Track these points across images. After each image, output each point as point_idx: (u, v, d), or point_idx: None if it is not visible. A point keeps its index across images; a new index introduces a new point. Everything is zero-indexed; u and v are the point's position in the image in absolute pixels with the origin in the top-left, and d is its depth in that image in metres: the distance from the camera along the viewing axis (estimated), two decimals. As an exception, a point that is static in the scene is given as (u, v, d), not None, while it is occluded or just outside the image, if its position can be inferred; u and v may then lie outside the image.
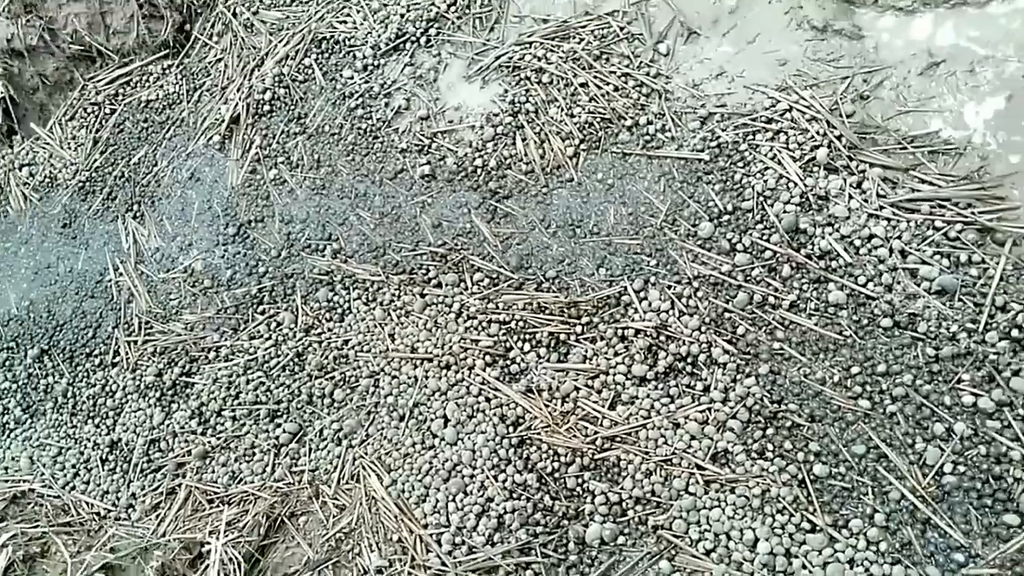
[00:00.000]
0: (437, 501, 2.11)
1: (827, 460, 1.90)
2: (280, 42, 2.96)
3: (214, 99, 3.00)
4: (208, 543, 2.15)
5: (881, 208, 2.05)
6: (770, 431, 1.96)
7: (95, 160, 3.06)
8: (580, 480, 2.04)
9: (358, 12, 2.90)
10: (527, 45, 2.63)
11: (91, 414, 2.65)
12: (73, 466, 2.58)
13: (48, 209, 3.06)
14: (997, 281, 1.90)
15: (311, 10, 2.99)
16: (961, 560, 1.73)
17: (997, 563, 1.71)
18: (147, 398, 2.59)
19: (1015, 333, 1.84)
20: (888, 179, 2.09)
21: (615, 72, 2.49)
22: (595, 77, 2.50)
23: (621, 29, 2.55)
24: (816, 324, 2.02)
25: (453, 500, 2.10)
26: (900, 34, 2.27)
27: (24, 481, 2.59)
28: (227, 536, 2.14)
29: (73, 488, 2.54)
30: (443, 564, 2.03)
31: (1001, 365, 1.83)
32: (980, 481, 1.78)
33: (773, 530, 1.87)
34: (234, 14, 3.11)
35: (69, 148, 3.12)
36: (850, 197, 2.09)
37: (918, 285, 1.96)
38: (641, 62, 2.49)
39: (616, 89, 2.47)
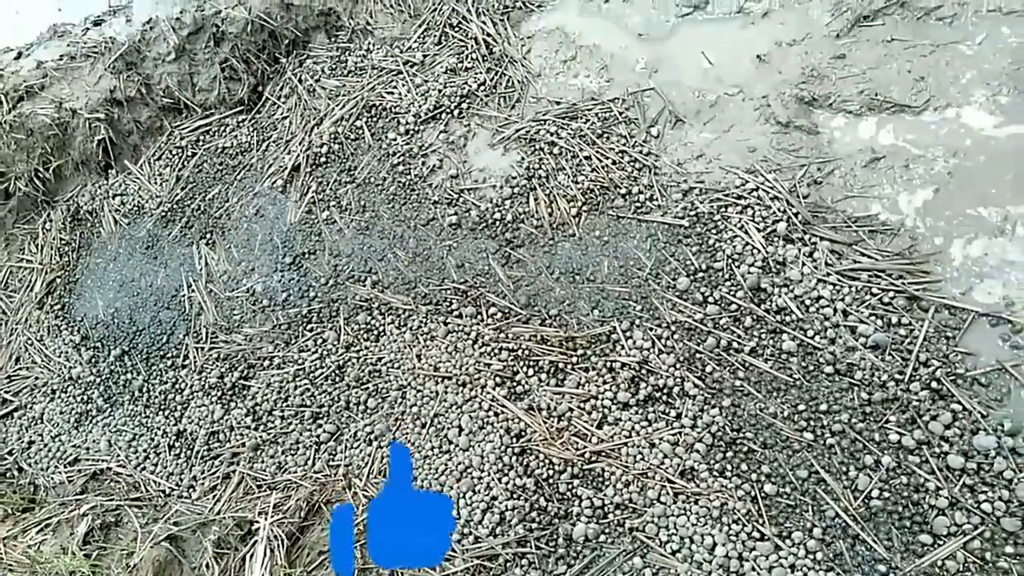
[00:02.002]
0: (450, 497, 2.14)
1: (776, 481, 1.92)
2: (337, 106, 3.02)
3: (279, 149, 3.04)
4: (257, 522, 2.16)
5: (828, 275, 2.10)
6: (730, 454, 1.98)
7: (176, 194, 3.10)
8: (570, 486, 2.06)
9: (403, 86, 2.96)
10: (542, 122, 2.68)
11: (162, 407, 2.66)
12: (144, 450, 2.58)
13: (134, 233, 3.10)
14: (921, 340, 1.94)
15: (364, 81, 3.05)
16: (883, 571, 1.75)
17: (913, 574, 1.75)
18: (210, 396, 2.60)
19: (934, 384, 1.88)
20: (835, 251, 2.13)
21: (614, 149, 2.54)
22: (597, 152, 2.55)
23: (620, 114, 2.61)
24: (771, 367, 2.05)
25: (463, 497, 2.12)
26: (849, 132, 2.33)
27: (103, 461, 2.59)
28: (273, 517, 2.15)
29: (144, 469, 2.54)
30: (453, 550, 2.05)
31: (922, 410, 1.87)
32: (901, 505, 1.80)
33: (729, 537, 1.89)
34: (299, 80, 3.17)
35: (155, 183, 3.16)
36: (803, 264, 2.14)
37: (856, 340, 2.00)
38: (635, 142, 2.54)
39: (614, 163, 2.52)
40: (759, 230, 2.23)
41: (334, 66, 3.16)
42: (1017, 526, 1.70)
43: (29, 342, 2.98)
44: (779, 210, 2.23)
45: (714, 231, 2.29)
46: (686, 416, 2.06)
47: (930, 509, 1.79)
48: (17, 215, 3.27)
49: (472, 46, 2.94)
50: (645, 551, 1.94)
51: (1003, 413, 1.82)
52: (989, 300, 1.96)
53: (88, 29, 3.33)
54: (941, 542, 1.75)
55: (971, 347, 1.92)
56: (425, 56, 3.00)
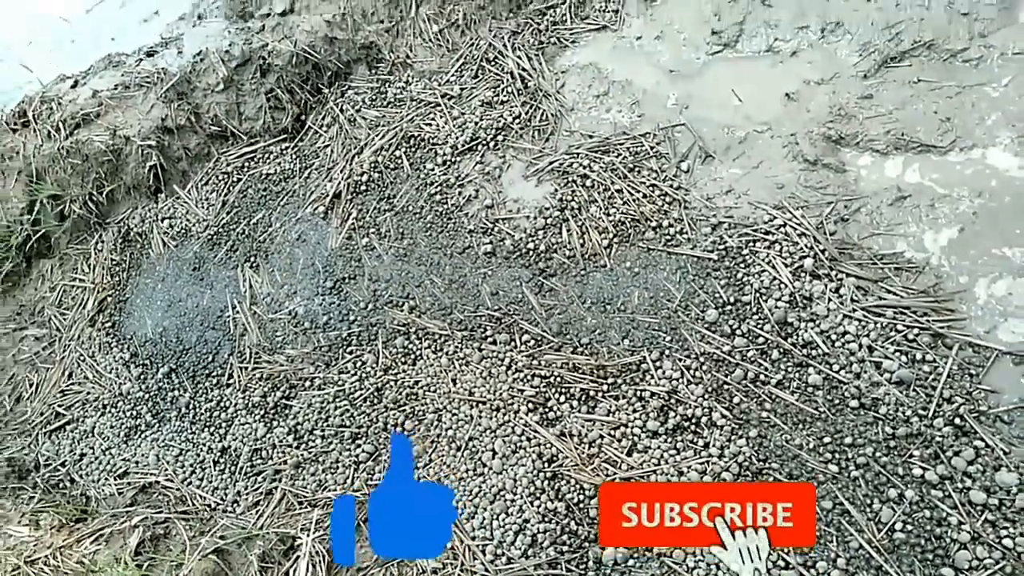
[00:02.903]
0: (484, 518, 2.21)
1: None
2: (377, 136, 3.15)
3: (321, 177, 3.17)
4: (299, 538, 2.26)
5: (854, 311, 2.17)
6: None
7: (222, 218, 3.24)
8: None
9: (441, 118, 3.08)
10: (575, 155, 2.78)
11: (207, 424, 2.78)
12: (191, 465, 2.70)
13: (182, 255, 3.24)
14: (945, 378, 2.00)
15: (403, 112, 3.17)
16: None
17: (935, 607, 1.80)
18: (253, 415, 2.71)
19: (957, 421, 1.94)
20: (861, 287, 2.20)
21: (644, 182, 2.63)
22: (628, 185, 2.64)
23: (651, 148, 2.70)
24: (797, 400, 2.12)
25: (496, 519, 2.20)
26: (876, 171, 2.40)
27: (151, 474, 2.72)
28: (315, 533, 2.26)
29: (190, 483, 2.66)
30: (486, 569, 2.13)
31: (945, 446, 1.93)
32: (924, 539, 1.86)
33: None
34: (341, 110, 3.30)
35: (202, 207, 3.31)
36: (829, 299, 2.21)
37: (881, 375, 2.06)
38: (666, 176, 2.63)
39: (645, 196, 2.61)
40: (786, 265, 2.30)
41: (374, 97, 3.29)
42: (1038, 562, 1.75)
43: (81, 358, 3.13)
44: (806, 246, 2.30)
45: (742, 265, 2.36)
46: (714, 446, 2.13)
47: (952, 543, 1.84)
48: (71, 236, 3.43)
49: (508, 80, 3.05)
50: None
51: (1025, 451, 1.88)
52: (1013, 339, 2.02)
53: (141, 60, 3.50)
54: (963, 576, 1.80)
55: (994, 384, 1.98)
56: (462, 89, 3.12)
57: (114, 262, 3.33)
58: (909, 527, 1.88)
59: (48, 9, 4.26)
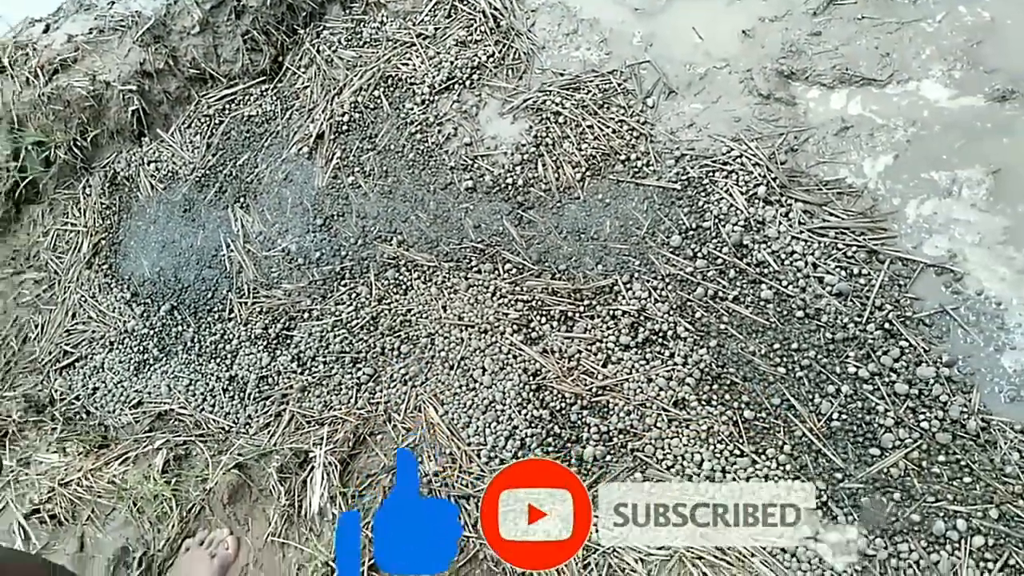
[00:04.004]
0: (477, 427, 2.49)
1: (754, 408, 2.28)
2: (355, 76, 3.28)
3: (302, 118, 3.31)
4: (312, 451, 2.52)
5: (801, 232, 2.44)
6: (715, 387, 2.34)
7: (208, 160, 3.38)
8: (580, 416, 2.41)
9: (417, 58, 3.22)
10: (548, 92, 2.96)
11: (213, 355, 2.99)
12: (201, 393, 2.92)
13: (171, 197, 3.38)
14: (877, 288, 2.30)
15: (380, 53, 3.30)
16: (840, 477, 2.12)
17: (863, 480, 2.14)
18: (256, 345, 2.93)
19: (887, 325, 2.25)
20: (807, 211, 2.47)
21: (613, 118, 2.84)
22: (598, 121, 2.85)
23: (619, 85, 2.90)
24: (751, 312, 2.40)
25: (489, 427, 2.48)
26: (823, 104, 2.64)
27: (165, 403, 2.94)
28: (326, 447, 2.52)
29: (203, 410, 2.88)
30: (481, 470, 2.42)
31: (876, 347, 2.24)
32: (856, 426, 2.17)
33: (714, 454, 2.26)
34: (318, 51, 3.41)
35: (187, 150, 3.43)
36: (780, 223, 2.47)
37: (823, 288, 2.35)
38: (633, 112, 2.83)
39: (614, 131, 2.82)
40: (742, 193, 2.56)
41: (350, 37, 3.41)
42: (948, 440, 2.09)
43: (83, 299, 3.29)
44: (760, 175, 2.55)
45: (703, 194, 2.61)
46: (678, 355, 2.42)
47: (879, 427, 2.16)
48: (57, 181, 3.53)
49: (480, 19, 3.19)
50: (644, 467, 2.31)
51: (942, 348, 2.20)
52: (936, 253, 2.32)
53: (114, 3, 3.53)
54: (887, 454, 2.13)
55: (919, 293, 2.29)
56: (436, 29, 3.25)
57: (104, 206, 3.45)
58: (844, 416, 2.20)
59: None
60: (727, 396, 2.33)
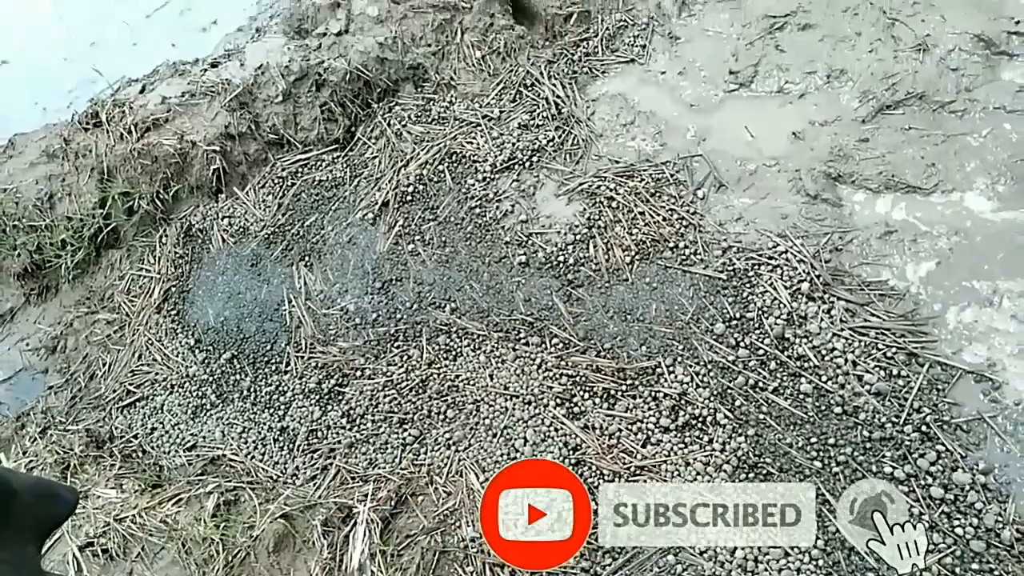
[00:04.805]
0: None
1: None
2: (422, 150, 3.51)
3: (370, 185, 3.53)
4: (356, 507, 2.63)
5: (842, 330, 2.53)
6: (751, 475, 2.40)
7: (278, 219, 3.60)
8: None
9: (481, 137, 3.44)
10: (603, 178, 3.13)
11: (267, 405, 3.14)
12: (253, 441, 3.06)
13: (240, 251, 3.60)
14: (916, 391, 2.36)
15: (447, 130, 3.53)
16: None
17: (896, 582, 2.17)
18: (309, 399, 3.07)
19: (924, 428, 2.30)
20: (849, 310, 2.56)
21: (664, 207, 2.99)
22: (650, 208, 3.00)
23: (671, 176, 3.06)
24: (790, 405, 2.47)
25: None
26: (868, 207, 2.76)
27: (218, 448, 3.09)
28: (369, 504, 2.63)
29: (253, 458, 3.02)
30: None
31: (912, 449, 2.29)
32: (890, 526, 2.25)
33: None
34: (389, 124, 3.66)
35: (259, 208, 3.67)
36: (822, 319, 2.57)
37: (862, 387, 2.42)
38: (684, 202, 2.98)
39: (664, 219, 2.96)
40: (786, 287, 2.66)
41: (420, 114, 3.66)
42: (982, 548, 2.12)
43: (150, 342, 3.50)
44: (804, 271, 2.67)
45: (748, 285, 2.73)
46: (716, 441, 2.49)
47: (913, 530, 2.21)
48: (137, 229, 3.80)
49: (543, 105, 3.42)
50: (678, 551, 2.35)
51: (979, 455, 2.25)
52: (975, 360, 2.39)
53: (206, 70, 3.85)
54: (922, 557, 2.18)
55: (957, 399, 2.35)
56: (501, 112, 3.48)
57: (177, 255, 3.70)
58: (878, 516, 2.26)
59: (111, 13, 4.61)
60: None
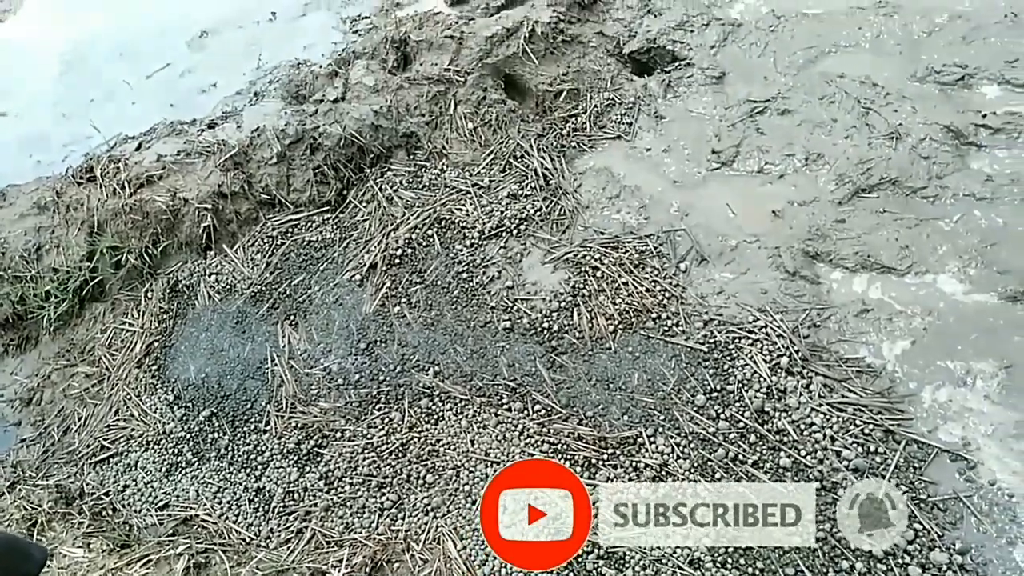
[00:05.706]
0: (494, 566, 2.54)
1: (768, 574, 2.35)
2: (412, 215, 3.58)
3: (359, 247, 3.58)
4: (329, 573, 2.59)
5: (821, 405, 2.57)
6: (731, 550, 2.40)
7: (266, 278, 3.63)
8: (596, 565, 2.45)
9: (471, 205, 3.53)
10: (588, 248, 3.21)
11: (244, 465, 3.10)
12: (228, 502, 3.01)
13: (226, 308, 3.61)
14: (893, 468, 2.39)
15: (437, 197, 3.62)
16: None
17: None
18: (288, 459, 3.04)
19: (901, 506, 2.35)
20: (827, 385, 2.61)
21: (647, 278, 3.06)
22: (633, 279, 3.07)
23: (655, 248, 3.14)
24: (769, 479, 2.50)
25: (505, 567, 2.54)
26: (845, 285, 2.84)
27: (191, 508, 3.03)
28: (344, 570, 2.58)
29: (227, 518, 2.95)
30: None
31: (890, 526, 2.33)
32: (869, 605, 2.24)
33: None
34: (380, 189, 3.75)
35: (247, 266, 3.70)
36: (801, 394, 2.61)
37: (841, 462, 2.45)
38: (666, 274, 3.06)
39: (647, 290, 3.03)
40: (766, 361, 2.72)
41: (411, 180, 3.75)
42: (961, 629, 2.12)
43: (128, 397, 3.47)
44: (783, 346, 2.72)
45: (728, 358, 2.78)
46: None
47: (892, 609, 2.21)
48: (123, 283, 3.81)
49: (532, 177, 3.52)
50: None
51: (955, 535, 2.27)
52: (950, 439, 2.43)
53: (203, 131, 3.94)
54: (900, 638, 2.17)
55: (934, 477, 2.38)
56: (491, 181, 3.58)
57: (162, 310, 3.70)
58: (857, 594, 2.25)
59: (113, 72, 4.73)
60: (742, 560, 2.38)
